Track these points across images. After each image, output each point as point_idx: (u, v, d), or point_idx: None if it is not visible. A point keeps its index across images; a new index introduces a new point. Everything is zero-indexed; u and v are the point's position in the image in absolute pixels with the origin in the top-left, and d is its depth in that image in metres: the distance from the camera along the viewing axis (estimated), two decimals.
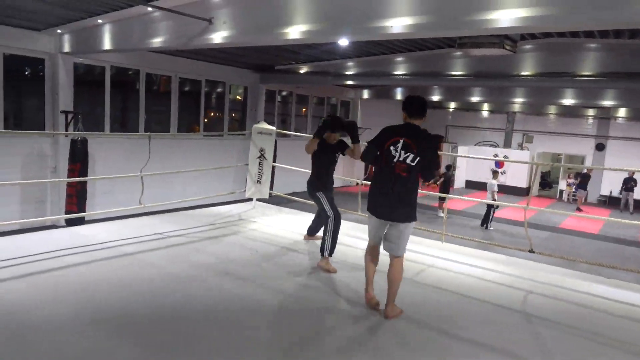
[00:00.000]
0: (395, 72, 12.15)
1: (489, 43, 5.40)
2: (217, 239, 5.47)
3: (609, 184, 19.23)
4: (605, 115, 19.02)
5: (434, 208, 15.12)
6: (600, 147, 19.46)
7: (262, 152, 6.43)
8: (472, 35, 5.54)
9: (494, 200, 12.85)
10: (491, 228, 13.00)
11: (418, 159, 3.45)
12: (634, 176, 17.62)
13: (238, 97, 14.29)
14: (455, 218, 14.33)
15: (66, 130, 9.36)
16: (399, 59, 11.44)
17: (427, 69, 11.81)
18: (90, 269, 4.22)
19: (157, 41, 7.36)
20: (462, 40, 5.65)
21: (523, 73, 10.01)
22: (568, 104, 15.14)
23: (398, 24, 5.01)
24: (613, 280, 4.92)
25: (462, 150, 20.69)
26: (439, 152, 4.04)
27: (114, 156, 10.59)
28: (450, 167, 15.44)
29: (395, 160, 3.50)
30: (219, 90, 13.63)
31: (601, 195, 19.70)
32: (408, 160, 3.46)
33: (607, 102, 13.99)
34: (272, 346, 3.15)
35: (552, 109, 19.84)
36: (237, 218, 6.47)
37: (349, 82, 13.05)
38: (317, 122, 17.04)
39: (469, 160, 21.12)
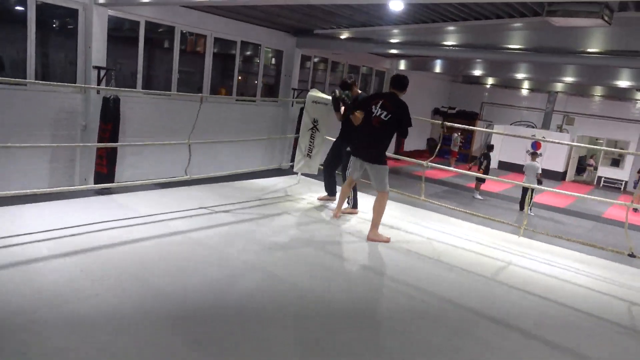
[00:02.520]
0: (445, 42, 11.34)
1: (586, 12, 4.70)
2: (269, 218, 5.00)
3: None
4: None
5: (470, 189, 14.49)
6: None
7: (315, 124, 5.87)
8: (566, 1, 4.83)
9: (540, 182, 12.18)
10: (531, 213, 12.35)
11: (390, 116, 4.54)
12: None
13: (266, 61, 13.52)
14: (492, 200, 13.71)
15: (98, 85, 8.89)
16: (450, 27, 10.59)
17: (480, 40, 10.99)
18: (137, 248, 3.79)
19: None
20: (552, 8, 4.93)
21: (589, 50, 9.15)
22: (622, 86, 14.16)
23: None
24: None
25: (497, 129, 19.79)
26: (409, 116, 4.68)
27: (145, 115, 10.13)
28: (492, 147, 14.69)
29: (373, 115, 4.60)
30: (248, 53, 12.96)
31: None
32: (382, 116, 4.55)
33: None
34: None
35: (597, 91, 18.74)
36: (284, 194, 5.99)
37: (391, 51, 12.23)
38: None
39: (504, 140, 20.19)
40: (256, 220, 4.82)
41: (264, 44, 12.75)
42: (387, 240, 4.60)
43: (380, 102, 4.60)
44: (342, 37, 12.41)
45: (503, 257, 4.63)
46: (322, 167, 5.90)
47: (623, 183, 19.18)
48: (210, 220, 4.63)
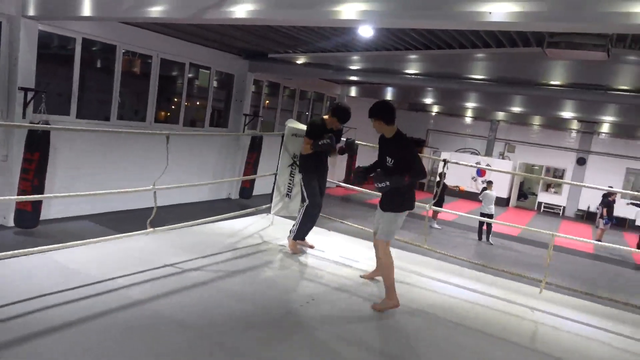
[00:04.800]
0: (404, 70, 11.11)
1: (592, 45, 4.42)
2: (249, 273, 4.16)
3: (587, 199, 19.16)
4: (589, 130, 18.92)
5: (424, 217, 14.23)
6: (581, 162, 19.36)
7: (295, 159, 5.14)
8: (569, 33, 4.55)
9: (491, 212, 12.16)
10: (492, 243, 12.26)
11: (394, 160, 3.79)
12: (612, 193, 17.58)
13: (203, 84, 12.46)
14: (449, 229, 13.54)
15: (24, 110, 7.61)
16: (412, 56, 10.37)
17: (439, 69, 10.87)
18: (88, 332, 2.82)
19: (155, 10, 5.85)
20: (554, 39, 4.63)
21: (552, 82, 9.21)
22: (566, 117, 14.72)
23: (499, 11, 3.89)
24: None
25: (444, 156, 20.02)
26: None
27: (81, 146, 8.90)
28: (444, 175, 14.59)
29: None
30: (196, 76, 12.05)
31: (579, 210, 19.64)
32: (388, 163, 3.83)
33: (608, 118, 13.64)
34: None
35: (536, 120, 19.55)
36: (260, 240, 5.15)
37: (349, 78, 11.84)
38: (303, 118, 15.78)
39: (449, 167, 20.42)
40: (233, 279, 3.96)
41: (215, 66, 11.90)
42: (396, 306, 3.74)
43: (386, 149, 3.90)
44: (299, 62, 11.86)
45: (526, 315, 4.10)
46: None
47: (561, 208, 19.98)
48: (178, 283, 3.71)
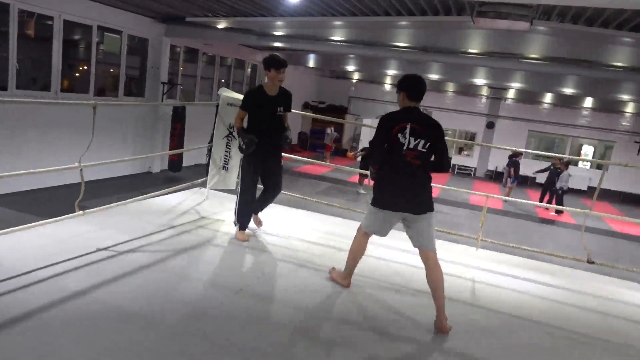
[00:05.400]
0: (329, 37, 11.00)
1: (518, 15, 4.62)
2: (191, 252, 3.96)
3: (495, 160, 20.69)
4: (497, 96, 20.22)
5: (351, 184, 14.58)
6: (490, 126, 20.74)
7: (232, 130, 4.91)
8: (499, 3, 4.71)
9: None
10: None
11: (428, 144, 3.20)
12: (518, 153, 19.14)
13: (113, 49, 11.51)
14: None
15: None
16: (338, 22, 10.28)
17: (364, 37, 10.90)
18: (24, 331, 2.52)
19: None
20: (484, 9, 4.77)
21: (471, 50, 9.61)
22: (478, 83, 15.55)
23: None
24: None
25: (365, 122, 20.45)
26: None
27: None
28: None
29: (404, 148, 3.21)
30: (99, 40, 11.04)
31: (488, 170, 21.17)
32: (420, 147, 3.20)
33: (515, 84, 14.63)
34: None
35: (450, 87, 20.50)
36: (197, 216, 4.92)
37: (272, 44, 11.48)
38: (223, 86, 15.16)
39: (370, 134, 20.95)
40: (176, 259, 3.76)
41: (127, 30, 10.97)
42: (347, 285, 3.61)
43: (408, 126, 3.20)
44: (219, 26, 11.28)
45: (465, 273, 4.33)
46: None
47: (473, 169, 21.42)
48: (117, 268, 3.44)
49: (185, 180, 5.80)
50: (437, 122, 3.31)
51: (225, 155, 4.98)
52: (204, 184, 5.39)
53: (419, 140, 3.19)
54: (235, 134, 4.92)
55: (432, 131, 3.23)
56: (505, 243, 5.21)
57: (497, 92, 19.90)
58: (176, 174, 11.50)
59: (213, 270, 3.74)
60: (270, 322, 3.04)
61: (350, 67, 16.44)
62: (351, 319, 3.20)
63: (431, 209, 3.29)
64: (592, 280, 4.62)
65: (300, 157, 6.81)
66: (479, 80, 15.11)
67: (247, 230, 4.41)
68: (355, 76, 21.74)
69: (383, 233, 3.49)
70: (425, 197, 3.28)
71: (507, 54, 9.26)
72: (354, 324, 3.13)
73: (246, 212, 4.36)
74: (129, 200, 4.73)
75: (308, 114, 16.30)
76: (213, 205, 5.31)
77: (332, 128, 18.92)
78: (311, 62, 16.44)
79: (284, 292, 3.47)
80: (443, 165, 3.34)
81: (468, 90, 20.36)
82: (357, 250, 3.55)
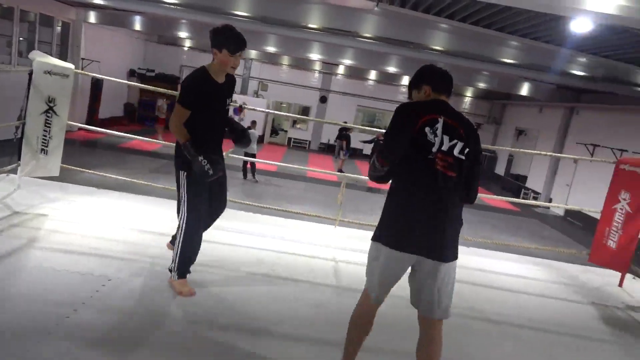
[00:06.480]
0: None
1: None
2: (9, 259, 3.13)
3: (327, 134, 21.78)
4: (329, 71, 21.12)
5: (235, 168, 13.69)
6: (323, 100, 21.65)
7: (51, 105, 3.99)
8: None
9: (254, 151, 12.42)
10: (256, 180, 12.66)
11: (467, 149, 2.15)
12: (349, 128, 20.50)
13: None
14: None
15: None
16: None
17: (201, 1, 10.12)
18: None
19: None
20: None
21: (310, 25, 9.66)
22: (313, 58, 15.94)
23: None
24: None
25: None
26: None
27: None
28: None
29: (435, 151, 2.13)
30: None
31: (321, 143, 22.20)
32: (456, 152, 2.13)
33: (347, 61, 15.39)
34: None
35: (286, 60, 20.68)
36: (9, 211, 3.91)
37: (95, 1, 9.88)
38: (28, 47, 12.67)
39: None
40: None
41: None
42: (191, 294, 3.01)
43: (441, 120, 2.17)
44: None
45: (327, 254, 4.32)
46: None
47: (307, 143, 22.23)
48: None
49: None
50: (474, 126, 2.30)
51: (44, 136, 4.05)
52: (13, 171, 4.35)
53: (455, 141, 2.15)
54: (56, 109, 4.04)
55: (472, 135, 2.21)
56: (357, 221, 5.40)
57: (328, 67, 20.77)
58: None
59: (41, 278, 3.01)
60: (117, 338, 2.56)
61: (183, 34, 15.29)
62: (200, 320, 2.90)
63: (457, 256, 2.24)
64: None
65: (127, 134, 5.96)
66: (314, 55, 15.49)
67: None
68: (187, 43, 20.40)
69: (387, 291, 2.30)
70: (456, 235, 2.23)
71: (344, 31, 9.57)
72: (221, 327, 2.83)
73: (194, 252, 3.10)
74: None
75: (137, 84, 14.72)
76: (28, 196, 4.32)
77: (165, 99, 17.53)
78: (137, 24, 14.80)
79: (128, 299, 2.97)
80: (471, 193, 2.24)
81: (303, 65, 20.82)
82: (356, 323, 2.34)
